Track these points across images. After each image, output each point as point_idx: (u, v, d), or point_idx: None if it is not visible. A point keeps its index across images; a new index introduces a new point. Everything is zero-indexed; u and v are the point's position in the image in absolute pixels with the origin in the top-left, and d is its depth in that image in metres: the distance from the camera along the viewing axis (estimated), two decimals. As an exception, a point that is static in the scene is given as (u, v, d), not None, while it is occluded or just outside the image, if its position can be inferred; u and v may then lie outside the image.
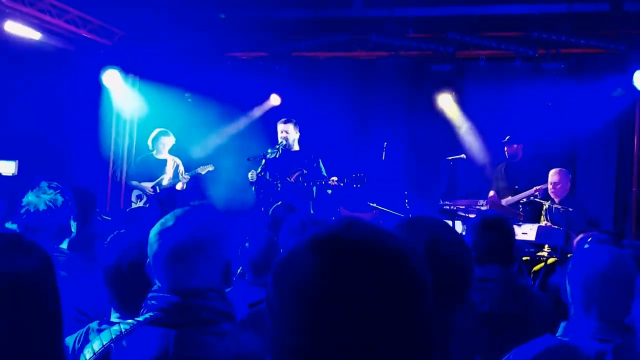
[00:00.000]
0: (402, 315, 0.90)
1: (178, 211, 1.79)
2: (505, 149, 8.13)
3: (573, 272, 2.12)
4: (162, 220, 1.77)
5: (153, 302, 1.72)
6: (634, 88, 7.83)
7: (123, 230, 2.15)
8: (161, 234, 1.74)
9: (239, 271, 3.62)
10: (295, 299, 0.91)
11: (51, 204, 2.78)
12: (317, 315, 0.89)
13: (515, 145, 8.05)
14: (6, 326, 1.35)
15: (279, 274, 0.95)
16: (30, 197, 2.80)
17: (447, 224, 1.64)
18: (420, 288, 0.93)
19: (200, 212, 1.80)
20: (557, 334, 2.09)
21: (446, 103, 8.93)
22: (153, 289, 1.75)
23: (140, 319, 1.70)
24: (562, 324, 2.10)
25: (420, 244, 1.42)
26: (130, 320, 1.72)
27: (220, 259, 1.77)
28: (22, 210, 2.79)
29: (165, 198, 4.52)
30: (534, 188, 7.49)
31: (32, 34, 8.15)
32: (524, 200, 7.56)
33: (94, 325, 2.03)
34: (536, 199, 7.38)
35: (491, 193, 8.07)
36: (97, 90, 9.58)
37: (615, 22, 8.01)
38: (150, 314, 1.69)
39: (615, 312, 2.03)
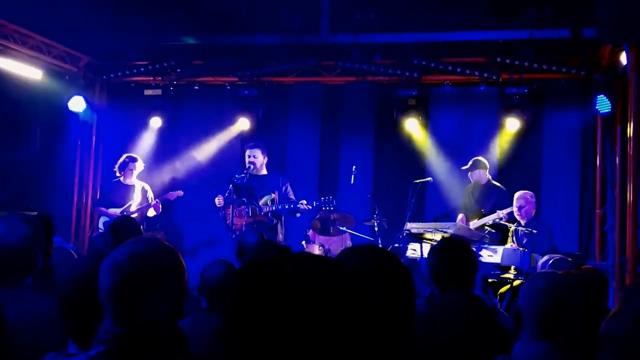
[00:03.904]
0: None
1: (128, 243, 1.77)
2: (470, 174, 8.26)
3: (519, 298, 2.19)
4: (113, 253, 1.75)
5: (104, 336, 1.70)
6: (595, 112, 7.99)
7: (78, 260, 2.13)
8: (108, 268, 1.73)
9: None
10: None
11: (23, 239, 2.64)
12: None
13: (477, 171, 8.17)
14: None
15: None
16: (1, 229, 2.66)
17: (391, 254, 1.68)
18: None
19: (149, 245, 1.77)
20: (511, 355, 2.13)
21: (413, 127, 9.03)
22: (103, 322, 1.73)
23: (92, 353, 1.68)
24: (516, 345, 2.14)
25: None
26: (82, 355, 1.70)
27: (170, 291, 1.76)
28: None
29: (120, 227, 4.46)
30: (497, 212, 7.59)
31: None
32: (490, 222, 7.64)
33: (49, 358, 1.99)
34: (502, 222, 7.47)
35: (460, 216, 8.15)
36: (63, 116, 9.50)
37: (576, 48, 8.20)
38: (101, 348, 1.67)
39: (559, 333, 2.07)
